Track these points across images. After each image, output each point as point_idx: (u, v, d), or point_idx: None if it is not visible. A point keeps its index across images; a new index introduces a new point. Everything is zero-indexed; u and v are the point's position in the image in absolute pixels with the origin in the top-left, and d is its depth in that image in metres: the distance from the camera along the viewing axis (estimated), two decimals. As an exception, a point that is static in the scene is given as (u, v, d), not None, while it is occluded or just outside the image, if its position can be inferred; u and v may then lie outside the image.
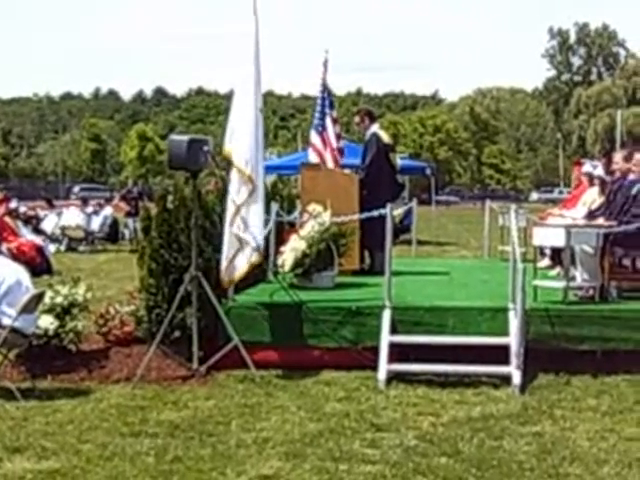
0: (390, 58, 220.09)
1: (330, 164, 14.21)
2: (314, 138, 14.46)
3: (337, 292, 11.46)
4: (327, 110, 14.48)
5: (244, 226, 10.14)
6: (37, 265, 19.34)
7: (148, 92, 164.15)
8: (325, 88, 14.46)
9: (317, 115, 14.56)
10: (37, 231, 26.81)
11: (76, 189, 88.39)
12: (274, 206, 12.50)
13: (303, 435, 7.83)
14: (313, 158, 14.35)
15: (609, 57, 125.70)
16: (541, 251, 13.12)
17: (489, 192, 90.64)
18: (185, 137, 10.22)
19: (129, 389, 9.58)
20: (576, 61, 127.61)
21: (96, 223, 29.57)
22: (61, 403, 9.00)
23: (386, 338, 9.98)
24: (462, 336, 10.08)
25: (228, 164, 10.38)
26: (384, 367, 9.73)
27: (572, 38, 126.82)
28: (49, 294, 10.42)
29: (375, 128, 14.04)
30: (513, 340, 9.71)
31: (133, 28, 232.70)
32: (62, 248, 27.81)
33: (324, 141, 14.34)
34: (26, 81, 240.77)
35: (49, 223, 29.09)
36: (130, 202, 31.06)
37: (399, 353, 9.97)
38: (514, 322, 9.87)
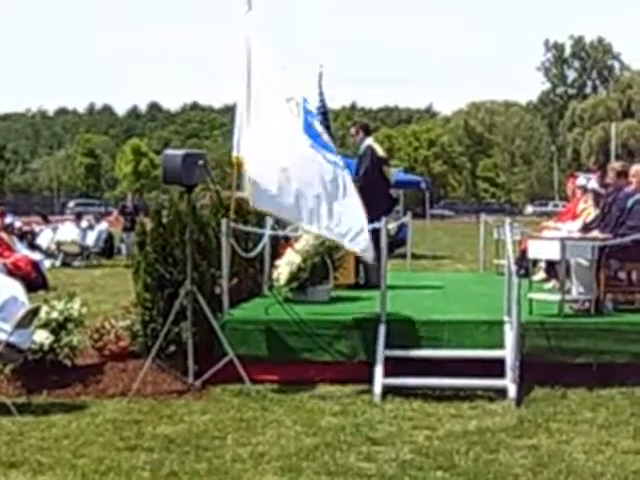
0: (384, 72, 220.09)
1: None
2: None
3: (332, 306, 11.46)
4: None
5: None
6: (33, 280, 19.30)
7: (142, 107, 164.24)
8: (322, 102, 14.29)
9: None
10: (32, 246, 26.75)
11: (71, 204, 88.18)
12: (269, 220, 12.50)
13: (299, 449, 7.82)
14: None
15: (604, 70, 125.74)
16: (534, 264, 13.11)
17: (484, 205, 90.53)
18: (180, 152, 10.21)
19: (125, 403, 9.56)
20: (571, 74, 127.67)
21: (91, 238, 29.49)
22: (57, 418, 8.98)
23: (381, 352, 9.98)
24: (458, 349, 10.08)
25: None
26: (379, 381, 9.72)
27: (567, 51, 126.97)
28: (44, 309, 10.41)
29: (370, 141, 14.00)
30: (509, 353, 9.72)
31: (127, 43, 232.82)
32: (57, 263, 27.72)
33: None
34: (20, 97, 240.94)
35: (44, 238, 29.00)
36: (127, 217, 30.99)
37: (395, 367, 9.97)
38: (510, 335, 9.88)
